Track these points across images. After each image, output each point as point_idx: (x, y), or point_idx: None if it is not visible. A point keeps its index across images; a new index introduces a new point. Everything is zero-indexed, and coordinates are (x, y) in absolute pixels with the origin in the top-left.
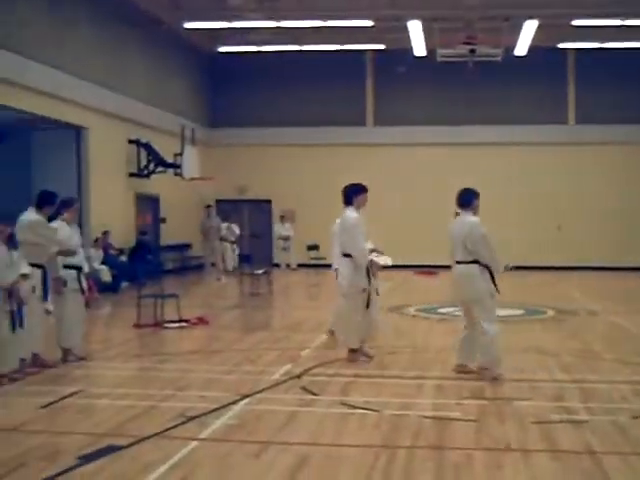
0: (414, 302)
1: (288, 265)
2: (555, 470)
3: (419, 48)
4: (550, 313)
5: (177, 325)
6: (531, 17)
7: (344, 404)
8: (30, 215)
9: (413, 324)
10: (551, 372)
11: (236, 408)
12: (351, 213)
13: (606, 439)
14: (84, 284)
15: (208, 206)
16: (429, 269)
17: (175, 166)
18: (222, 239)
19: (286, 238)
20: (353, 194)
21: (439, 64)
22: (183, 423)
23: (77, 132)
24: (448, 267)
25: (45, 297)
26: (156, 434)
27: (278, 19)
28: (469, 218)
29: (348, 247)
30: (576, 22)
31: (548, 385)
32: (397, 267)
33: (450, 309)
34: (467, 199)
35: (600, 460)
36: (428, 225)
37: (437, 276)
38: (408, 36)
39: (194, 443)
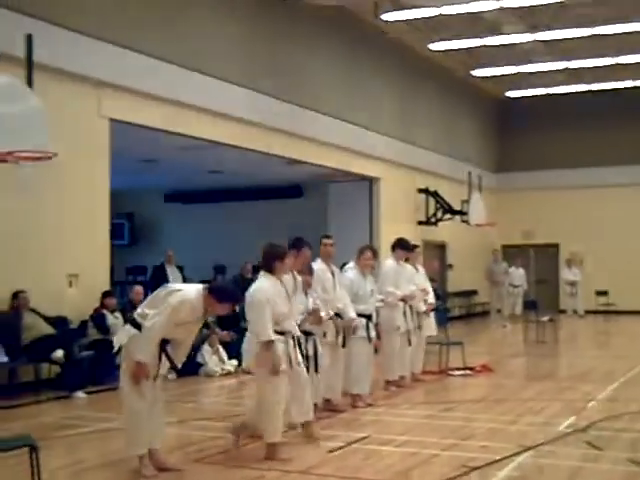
0: None
1: (575, 311)
2: None
3: None
4: None
5: (461, 373)
6: None
7: (632, 461)
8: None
9: None
10: None
11: (519, 460)
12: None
13: None
14: (372, 332)
15: (495, 251)
16: None
17: (462, 213)
18: (510, 284)
19: (573, 283)
20: None
21: None
22: (465, 474)
23: (370, 182)
24: None
25: (343, 344)
26: None
27: (568, 60)
28: None
29: None
30: None
31: None
32: None
33: None
34: None
35: None
36: None
37: None
38: None
39: None
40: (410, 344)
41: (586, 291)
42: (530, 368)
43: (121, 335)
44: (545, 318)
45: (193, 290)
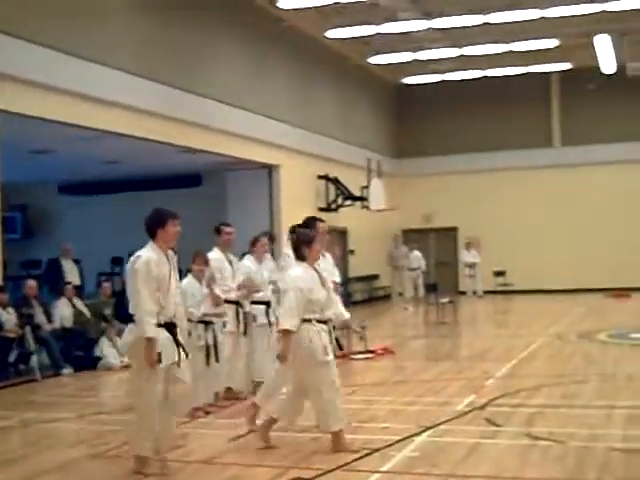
0: (605, 327)
1: (474, 292)
2: None
3: (608, 64)
4: None
5: (363, 356)
6: None
7: (528, 435)
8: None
9: (603, 350)
10: None
11: (418, 440)
12: None
13: None
14: (272, 318)
15: (395, 236)
16: (622, 292)
17: (362, 199)
18: (407, 268)
19: (472, 265)
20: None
21: (631, 79)
22: (367, 455)
23: (269, 170)
24: None
25: (244, 332)
26: (339, 467)
27: (461, 47)
28: None
29: None
30: None
31: None
32: (589, 290)
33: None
34: None
35: None
36: (621, 246)
37: (631, 299)
38: (595, 53)
39: (376, 476)
40: None
41: (484, 272)
42: (430, 349)
43: (124, 335)
44: (445, 300)
45: (143, 250)
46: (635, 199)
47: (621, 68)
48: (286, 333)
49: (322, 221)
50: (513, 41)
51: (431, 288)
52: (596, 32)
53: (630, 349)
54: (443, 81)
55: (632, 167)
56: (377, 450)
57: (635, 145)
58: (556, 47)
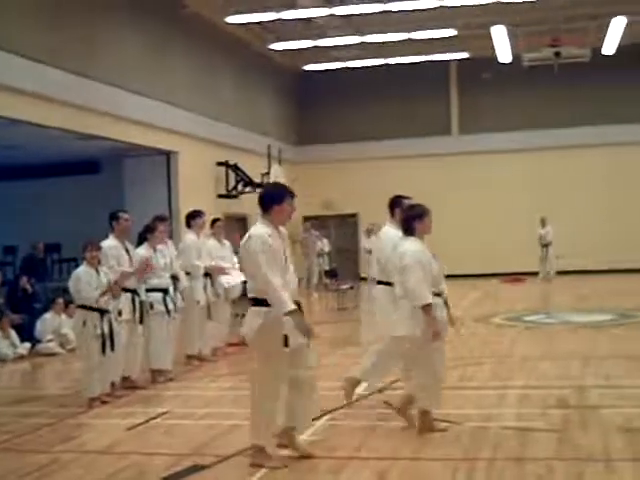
0: (500, 311)
1: (374, 278)
2: None
3: (504, 54)
4: None
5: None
6: (619, 14)
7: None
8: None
9: (498, 333)
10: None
11: (318, 424)
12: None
13: None
14: (170, 305)
15: (304, 222)
16: (517, 276)
17: (262, 186)
18: (320, 254)
19: (371, 251)
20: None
21: (526, 68)
22: None
23: (167, 156)
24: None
25: (140, 321)
26: (238, 453)
27: (362, 34)
28: None
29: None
30: None
31: (636, 392)
32: (485, 275)
33: (538, 316)
34: None
35: None
36: (516, 232)
37: (525, 283)
38: (492, 43)
39: None
40: (211, 318)
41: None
42: (332, 335)
43: (249, 320)
44: (346, 286)
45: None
46: (530, 186)
47: (517, 58)
48: (428, 307)
49: (408, 198)
50: (413, 30)
51: (331, 274)
52: (493, 23)
53: (524, 331)
54: (344, 68)
55: (529, 155)
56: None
57: (531, 133)
58: (454, 36)
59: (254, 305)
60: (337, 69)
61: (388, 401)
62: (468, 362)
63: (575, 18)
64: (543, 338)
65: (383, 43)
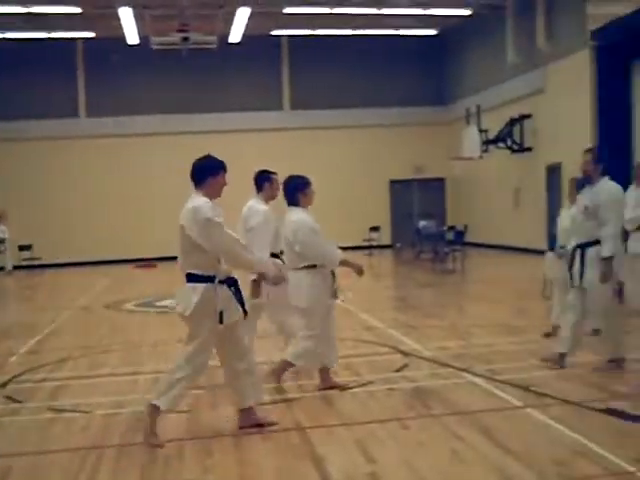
0: (132, 297)
1: (3, 268)
2: (266, 449)
3: (132, 36)
4: None
5: None
6: (244, 5)
7: (51, 409)
8: None
9: (129, 319)
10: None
11: None
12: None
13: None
14: None
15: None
16: (148, 262)
17: None
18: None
19: (2, 240)
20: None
21: (155, 52)
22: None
23: None
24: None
25: None
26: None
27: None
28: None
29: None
30: (288, 10)
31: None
32: (115, 262)
33: (169, 301)
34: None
35: (308, 435)
36: (144, 219)
37: (156, 269)
38: (120, 24)
39: None
40: None
41: (11, 246)
42: None
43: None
44: None
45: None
46: (171, 171)
47: (147, 41)
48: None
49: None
50: (32, 3)
51: None
52: (120, 4)
53: (155, 316)
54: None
55: (166, 139)
56: None
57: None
58: (79, 14)
59: (189, 281)
60: None
61: (11, 396)
62: (98, 350)
63: (204, 5)
64: (174, 323)
65: (50, 14)
